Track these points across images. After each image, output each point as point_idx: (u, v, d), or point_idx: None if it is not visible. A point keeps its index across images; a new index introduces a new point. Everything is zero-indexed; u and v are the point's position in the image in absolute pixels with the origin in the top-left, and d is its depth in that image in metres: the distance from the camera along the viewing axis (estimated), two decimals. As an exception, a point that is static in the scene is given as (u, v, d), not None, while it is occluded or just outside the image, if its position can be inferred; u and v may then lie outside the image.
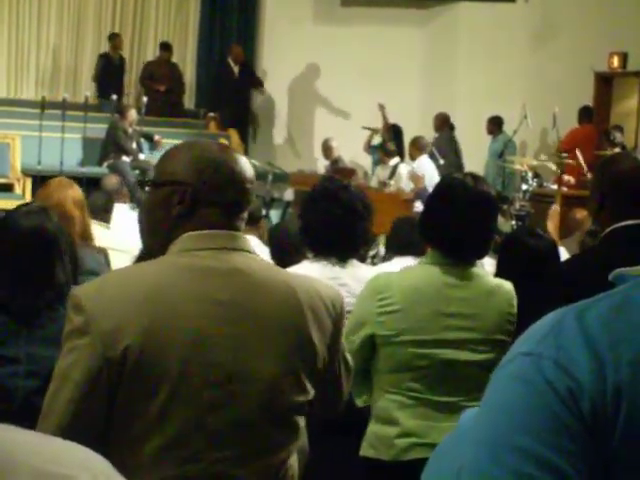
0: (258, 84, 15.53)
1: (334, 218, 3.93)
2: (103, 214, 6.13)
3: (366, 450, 3.33)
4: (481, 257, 3.41)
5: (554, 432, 1.00)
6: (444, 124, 13.61)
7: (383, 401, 3.32)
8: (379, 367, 3.33)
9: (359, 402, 3.43)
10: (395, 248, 5.69)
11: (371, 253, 7.20)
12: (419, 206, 10.69)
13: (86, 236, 4.44)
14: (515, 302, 3.36)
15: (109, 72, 14.88)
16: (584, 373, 1.01)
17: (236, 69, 15.10)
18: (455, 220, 3.24)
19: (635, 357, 1.01)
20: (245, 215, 2.31)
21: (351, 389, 3.30)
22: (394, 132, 13.24)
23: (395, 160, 11.92)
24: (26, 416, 2.19)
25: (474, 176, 3.41)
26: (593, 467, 0.99)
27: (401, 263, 5.46)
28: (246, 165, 2.32)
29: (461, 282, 3.28)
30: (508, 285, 3.39)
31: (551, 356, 1.03)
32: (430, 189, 11.68)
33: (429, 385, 3.26)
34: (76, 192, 4.44)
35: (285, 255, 4.84)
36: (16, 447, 0.92)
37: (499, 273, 3.97)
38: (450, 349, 3.25)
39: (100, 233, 5.85)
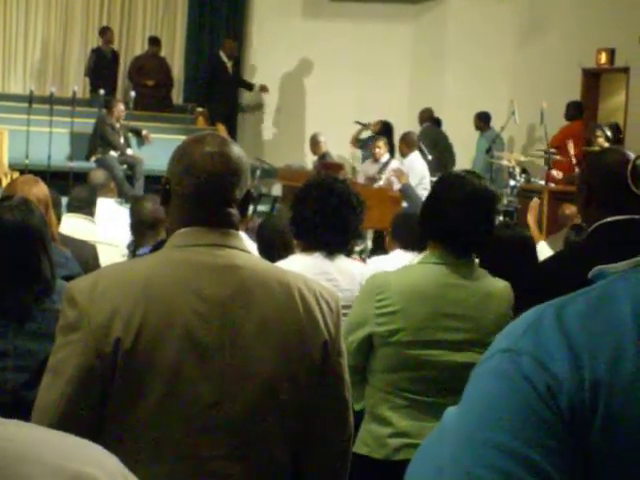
0: (248, 87, 15.50)
1: (328, 207, 3.92)
2: (87, 207, 6.12)
3: (359, 447, 3.33)
4: (479, 252, 3.41)
5: (532, 428, 1.00)
6: (424, 119, 13.65)
7: (377, 400, 3.32)
8: (375, 367, 3.32)
9: (357, 406, 3.42)
10: (399, 242, 5.70)
11: (357, 249, 7.20)
12: (403, 203, 10.69)
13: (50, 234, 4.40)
14: (512, 301, 3.34)
15: (101, 66, 14.84)
16: (562, 369, 1.01)
17: (229, 64, 15.07)
18: (459, 216, 3.24)
19: (612, 353, 1.01)
20: (231, 210, 2.26)
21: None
22: (385, 129, 13.23)
23: (386, 157, 11.92)
24: (15, 410, 2.19)
25: (474, 173, 3.43)
26: (572, 463, 1.00)
27: (399, 257, 5.48)
28: (221, 157, 2.25)
29: (460, 282, 3.26)
30: (505, 284, 3.38)
31: (529, 352, 1.04)
32: (419, 185, 11.62)
33: (425, 386, 3.25)
34: (41, 190, 4.39)
35: (273, 251, 4.84)
36: (30, 443, 0.92)
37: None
38: (448, 350, 3.23)
39: (85, 227, 5.85)
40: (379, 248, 5.90)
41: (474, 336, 3.25)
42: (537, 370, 1.02)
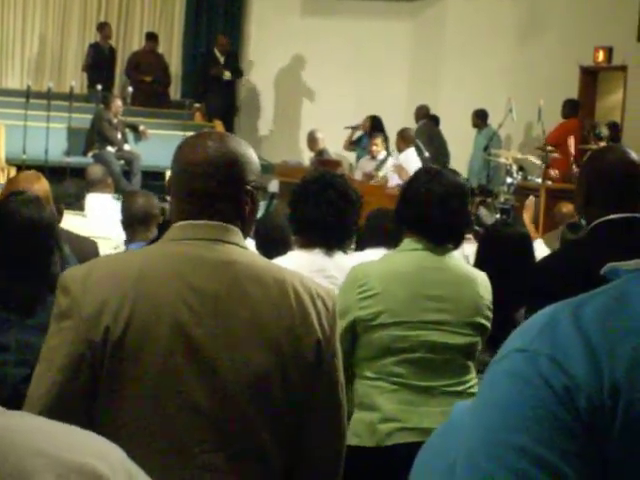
0: (238, 74, 15.45)
1: (327, 202, 3.92)
2: (76, 202, 6.11)
3: (349, 439, 3.33)
4: (456, 243, 3.48)
5: (551, 430, 0.99)
6: (421, 116, 13.66)
7: (364, 388, 3.35)
8: (361, 356, 3.36)
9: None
10: (368, 239, 5.69)
11: (353, 246, 7.19)
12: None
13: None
14: (490, 289, 3.45)
15: (99, 62, 14.83)
16: (580, 370, 1.00)
17: (222, 59, 15.06)
18: (432, 207, 3.34)
19: (631, 354, 1.00)
20: (226, 205, 2.25)
21: None
22: (375, 124, 13.23)
23: (383, 154, 11.92)
24: (15, 404, 2.19)
25: (447, 168, 3.55)
26: (591, 465, 0.98)
27: (374, 254, 5.48)
28: (214, 152, 2.25)
29: (438, 265, 3.37)
30: (482, 273, 3.49)
31: (547, 353, 1.02)
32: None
33: (409, 369, 3.30)
34: (43, 186, 4.41)
35: (271, 248, 4.83)
36: (33, 434, 0.93)
37: (478, 264, 4.02)
38: (429, 331, 3.30)
39: (76, 222, 5.83)
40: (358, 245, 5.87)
41: (454, 317, 3.34)
42: (555, 371, 1.01)
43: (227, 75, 15.03)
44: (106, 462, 0.94)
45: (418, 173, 3.58)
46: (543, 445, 0.99)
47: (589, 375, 1.00)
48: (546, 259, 3.72)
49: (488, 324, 3.41)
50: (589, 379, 0.99)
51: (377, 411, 3.31)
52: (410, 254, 3.38)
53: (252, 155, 2.33)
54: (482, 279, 3.45)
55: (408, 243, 3.41)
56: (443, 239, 3.39)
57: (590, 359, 1.00)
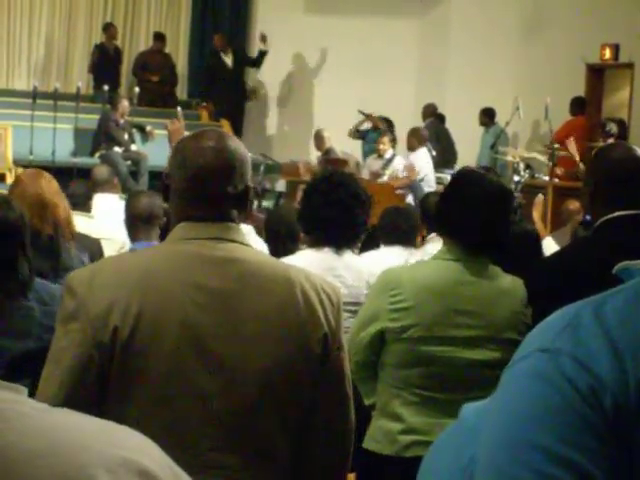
0: (254, 62, 15.41)
1: (337, 201, 3.90)
2: (83, 203, 6.10)
3: (368, 443, 3.32)
4: (500, 252, 3.33)
5: (576, 430, 0.98)
6: (428, 114, 13.64)
7: (388, 396, 3.29)
8: (387, 362, 3.29)
9: (367, 401, 3.40)
10: (383, 237, 5.71)
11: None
12: (410, 198, 10.69)
13: (70, 221, 4.41)
14: (525, 300, 3.29)
15: (105, 62, 14.85)
16: (605, 369, 0.98)
17: (228, 59, 15.05)
18: (475, 214, 3.19)
19: None
20: (227, 204, 2.27)
21: (359, 386, 3.28)
22: (387, 126, 13.21)
23: (390, 152, 11.90)
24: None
25: (492, 170, 3.40)
26: (616, 463, 0.97)
27: (389, 252, 5.49)
28: (213, 151, 2.27)
29: (475, 279, 3.22)
30: (520, 282, 3.32)
31: (570, 352, 1.00)
32: (424, 182, 11.59)
33: (436, 383, 3.21)
34: (51, 181, 4.41)
35: (280, 243, 4.84)
36: (80, 431, 0.94)
37: None
38: (459, 347, 3.19)
39: (83, 223, 5.83)
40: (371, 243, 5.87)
41: (486, 333, 3.22)
42: (579, 371, 0.99)
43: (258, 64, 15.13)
44: (150, 458, 0.97)
45: (459, 176, 3.41)
46: (569, 446, 0.97)
47: (614, 374, 0.98)
48: (550, 257, 3.71)
49: (522, 338, 3.26)
50: (614, 378, 0.98)
51: (398, 421, 3.25)
52: (445, 264, 3.23)
53: (247, 152, 2.35)
54: (519, 290, 3.29)
55: (444, 252, 3.26)
56: (482, 249, 3.24)
57: (614, 358, 0.99)
